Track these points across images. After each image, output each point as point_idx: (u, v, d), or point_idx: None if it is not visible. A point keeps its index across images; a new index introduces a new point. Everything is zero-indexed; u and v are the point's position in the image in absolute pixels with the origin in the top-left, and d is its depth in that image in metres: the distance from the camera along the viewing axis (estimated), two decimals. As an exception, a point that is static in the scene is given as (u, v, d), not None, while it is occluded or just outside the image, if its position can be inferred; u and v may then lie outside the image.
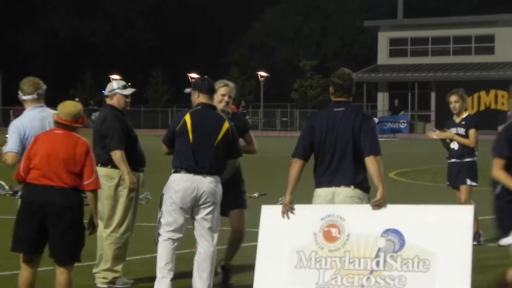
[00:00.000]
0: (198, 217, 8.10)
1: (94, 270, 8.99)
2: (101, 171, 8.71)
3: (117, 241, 8.83)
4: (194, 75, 63.79)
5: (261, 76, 65.36)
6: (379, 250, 7.08)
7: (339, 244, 7.21)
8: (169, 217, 8.06)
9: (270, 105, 68.39)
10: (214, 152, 8.05)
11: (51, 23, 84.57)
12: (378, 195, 7.16)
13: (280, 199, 14.90)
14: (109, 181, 8.78)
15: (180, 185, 8.00)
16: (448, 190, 12.07)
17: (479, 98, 60.06)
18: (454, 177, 11.51)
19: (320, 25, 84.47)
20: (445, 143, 11.62)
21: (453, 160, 11.51)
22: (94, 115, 61.86)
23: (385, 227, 7.12)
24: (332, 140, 7.40)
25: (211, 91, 8.26)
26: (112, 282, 8.83)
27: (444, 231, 7.01)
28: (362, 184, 7.42)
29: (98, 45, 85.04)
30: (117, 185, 8.79)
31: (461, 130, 11.30)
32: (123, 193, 8.81)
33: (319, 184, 7.50)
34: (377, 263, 7.07)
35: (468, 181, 11.37)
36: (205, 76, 8.48)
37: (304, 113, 63.71)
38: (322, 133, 7.42)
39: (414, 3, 77.68)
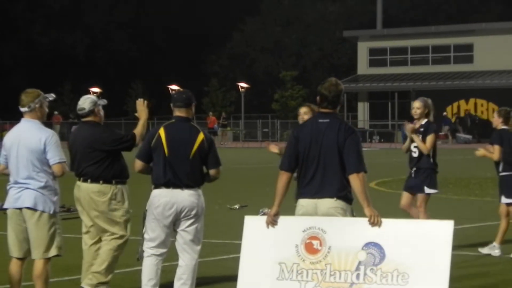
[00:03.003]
0: (179, 229, 8.09)
1: (82, 284, 8.92)
2: (93, 187, 8.73)
3: (117, 248, 8.79)
4: (174, 87, 63.75)
5: (242, 87, 65.40)
6: (359, 263, 7.09)
7: (320, 256, 7.20)
8: (152, 233, 8.07)
9: (251, 116, 68.45)
10: (191, 165, 8.02)
11: (30, 35, 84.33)
12: (367, 214, 7.14)
13: (261, 210, 14.81)
14: (102, 196, 8.75)
15: (160, 200, 8.00)
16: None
17: (458, 106, 60.37)
18: None
19: (300, 35, 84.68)
20: None
21: None
22: (74, 129, 61.70)
23: (366, 241, 7.12)
24: (316, 152, 7.37)
25: (184, 104, 8.20)
26: (96, 286, 8.74)
27: (424, 246, 7.02)
28: (346, 196, 7.39)
29: (77, 57, 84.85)
30: (110, 199, 8.77)
31: None
32: (117, 206, 8.78)
33: (302, 195, 7.47)
34: (357, 276, 7.07)
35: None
36: (181, 89, 8.45)
37: (285, 124, 63.80)
38: (306, 145, 7.40)
39: (393, 14, 78.02)
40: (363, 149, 7.57)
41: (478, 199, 19.12)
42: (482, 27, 62.15)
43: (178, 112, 8.19)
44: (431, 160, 11.54)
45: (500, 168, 11.65)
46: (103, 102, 9.07)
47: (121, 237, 8.82)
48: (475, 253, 11.64)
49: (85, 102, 8.94)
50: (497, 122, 11.77)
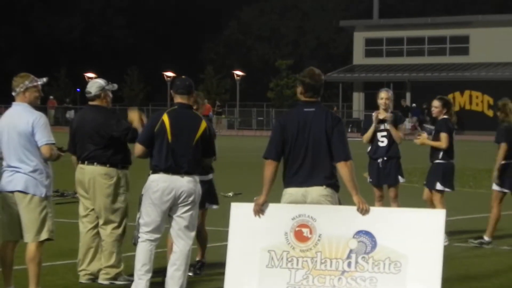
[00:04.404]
0: (175, 215, 8.12)
1: (79, 268, 8.99)
2: (100, 170, 8.83)
3: (119, 237, 8.93)
4: (169, 74, 63.70)
5: (237, 75, 65.36)
6: (350, 251, 7.13)
7: (310, 244, 7.22)
8: (147, 218, 8.09)
9: (246, 104, 68.40)
10: (193, 152, 8.07)
11: (27, 19, 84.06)
12: (356, 201, 7.20)
13: (255, 198, 14.93)
14: (109, 179, 8.85)
15: (159, 185, 8.02)
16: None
17: (453, 98, 60.38)
18: None
19: (296, 24, 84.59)
20: None
21: None
22: (69, 113, 61.55)
23: (357, 229, 7.15)
24: (303, 141, 7.41)
25: (187, 92, 8.24)
26: (114, 278, 8.89)
27: (416, 234, 7.07)
28: (334, 184, 7.45)
29: (74, 42, 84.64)
30: (116, 183, 8.87)
31: None
32: (122, 191, 8.91)
33: (290, 184, 7.50)
34: (349, 264, 7.11)
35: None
36: (183, 76, 8.46)
37: (280, 113, 63.71)
38: (293, 134, 7.44)
39: (390, 4, 77.96)
40: (358, 139, 7.62)
41: (472, 190, 19.19)
42: (479, 19, 62.12)
43: (180, 99, 8.21)
44: (399, 148, 11.70)
45: (440, 155, 11.68)
46: (113, 87, 9.18)
47: (119, 225, 8.90)
48: (466, 244, 11.71)
49: (92, 86, 9.09)
50: (440, 112, 11.74)
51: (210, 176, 9.25)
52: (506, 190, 11.70)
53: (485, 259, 10.81)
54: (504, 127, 11.65)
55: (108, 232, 8.87)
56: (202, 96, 9.45)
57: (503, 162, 11.64)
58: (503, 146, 11.57)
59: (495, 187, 11.75)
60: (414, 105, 56.47)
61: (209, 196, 9.22)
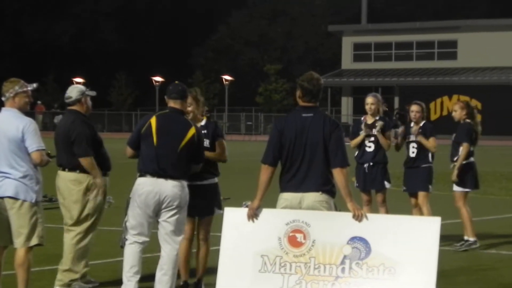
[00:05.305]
0: (161, 220, 8.11)
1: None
2: (70, 176, 8.81)
3: (79, 242, 8.84)
4: (158, 78, 63.64)
5: (226, 80, 65.36)
6: (344, 257, 7.10)
7: (304, 249, 7.20)
8: (134, 221, 8.09)
9: (235, 109, 68.42)
10: (178, 157, 8.05)
11: (17, 24, 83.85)
12: (350, 208, 7.19)
13: (244, 203, 14.87)
14: (78, 185, 8.81)
15: (144, 188, 8.02)
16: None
17: (441, 103, 60.55)
18: None
19: (285, 29, 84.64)
20: None
21: None
22: (57, 119, 61.44)
23: (351, 235, 7.13)
24: (301, 146, 7.38)
25: (180, 96, 8.23)
26: (68, 285, 8.80)
27: (411, 241, 7.05)
28: (330, 189, 7.43)
29: (63, 47, 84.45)
30: (86, 189, 8.83)
31: None
32: (91, 197, 8.84)
33: (286, 189, 7.47)
34: (343, 270, 7.08)
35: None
36: (176, 82, 8.46)
37: (268, 117, 63.83)
38: (291, 139, 7.39)
39: (378, 8, 78.11)
40: (347, 143, 7.60)
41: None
42: (467, 24, 62.36)
43: (173, 104, 8.22)
44: (386, 154, 11.76)
45: (430, 159, 11.82)
46: (92, 93, 9.15)
47: (83, 231, 8.83)
48: (452, 248, 11.74)
49: (73, 90, 9.04)
50: (421, 116, 11.91)
51: (216, 179, 9.06)
52: (468, 190, 11.81)
53: (471, 262, 10.83)
54: (466, 128, 11.75)
55: (70, 236, 8.83)
56: (203, 101, 9.26)
57: (463, 162, 11.78)
58: (466, 146, 11.70)
59: (456, 188, 11.86)
60: (386, 108, 56.68)
61: (217, 201, 8.94)
